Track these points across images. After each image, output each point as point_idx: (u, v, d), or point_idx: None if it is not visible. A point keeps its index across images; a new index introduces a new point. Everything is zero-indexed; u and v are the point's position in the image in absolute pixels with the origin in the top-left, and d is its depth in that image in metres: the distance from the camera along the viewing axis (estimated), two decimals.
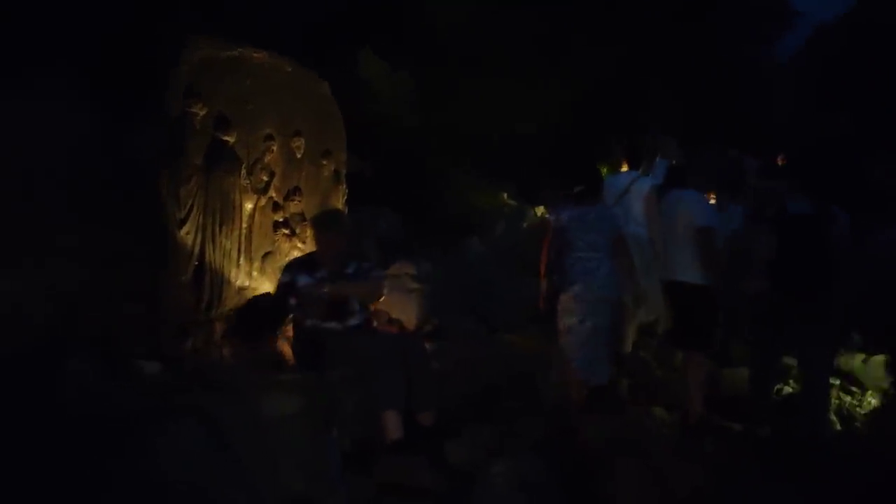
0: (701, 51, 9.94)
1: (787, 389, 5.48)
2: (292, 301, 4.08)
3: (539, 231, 8.31)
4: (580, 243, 4.63)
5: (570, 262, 4.62)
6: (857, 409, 5.36)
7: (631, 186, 5.57)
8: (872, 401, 5.46)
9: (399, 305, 5.01)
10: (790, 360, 5.29)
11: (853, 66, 12.51)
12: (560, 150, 9.62)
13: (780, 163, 7.79)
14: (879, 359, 5.68)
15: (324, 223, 4.25)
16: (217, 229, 4.38)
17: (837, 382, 5.60)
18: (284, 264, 4.47)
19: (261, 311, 4.00)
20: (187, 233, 4.17)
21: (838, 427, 4.97)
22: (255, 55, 4.68)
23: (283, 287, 4.13)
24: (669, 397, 5.04)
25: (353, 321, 4.03)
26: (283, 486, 3.15)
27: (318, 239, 4.22)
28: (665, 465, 3.87)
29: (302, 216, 5.14)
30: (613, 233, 4.66)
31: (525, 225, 8.84)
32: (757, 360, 4.85)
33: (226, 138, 4.45)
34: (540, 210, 9.44)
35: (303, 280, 4.03)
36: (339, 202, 5.55)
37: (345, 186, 5.66)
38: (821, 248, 4.45)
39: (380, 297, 4.39)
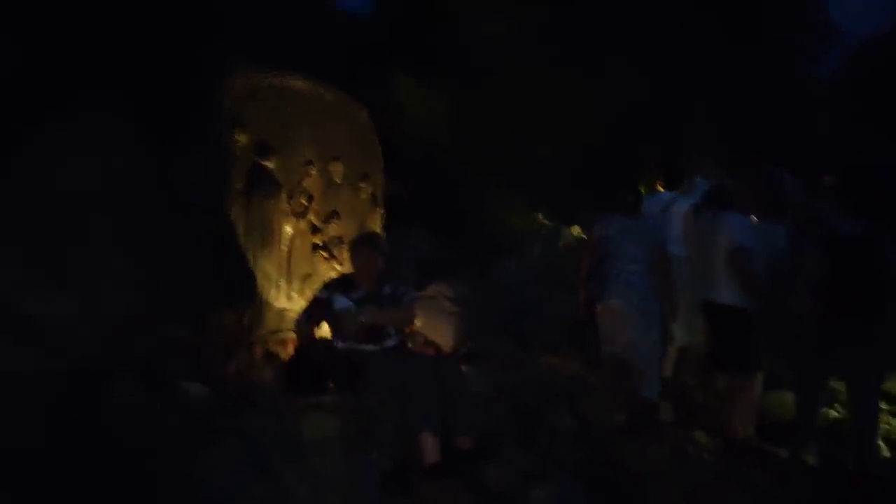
0: (740, 68, 9.85)
1: (834, 414, 5.35)
2: (326, 322, 4.14)
3: (576, 251, 8.30)
4: (623, 254, 4.62)
5: (612, 272, 4.61)
6: None
7: (671, 206, 5.55)
8: None
9: (436, 327, 5.03)
10: (836, 384, 5.17)
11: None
12: (597, 170, 9.60)
13: (826, 182, 7.64)
14: None
15: (361, 244, 4.31)
16: (258, 252, 4.47)
17: (886, 407, 5.45)
18: (323, 283, 4.54)
19: (313, 360, 4.03)
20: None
21: (887, 454, 4.83)
22: (295, 83, 4.80)
23: (315, 310, 4.16)
24: (711, 422, 4.95)
25: (390, 343, 4.07)
26: None
27: (354, 260, 4.27)
28: (706, 492, 3.82)
29: (340, 239, 5.21)
30: (655, 248, 4.64)
31: (561, 245, 8.81)
32: (803, 383, 4.75)
33: (267, 164, 4.56)
34: (576, 230, 9.42)
35: (340, 300, 4.08)
36: (377, 225, 5.62)
37: (382, 209, 5.73)
38: (872, 270, 4.35)
39: (412, 323, 4.42)
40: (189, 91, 4.39)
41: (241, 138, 4.37)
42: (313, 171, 4.97)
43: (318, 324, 4.18)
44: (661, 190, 6.16)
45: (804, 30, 10.74)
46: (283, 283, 4.67)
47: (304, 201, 4.91)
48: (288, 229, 4.75)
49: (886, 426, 5.19)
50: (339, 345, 4.00)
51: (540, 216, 9.71)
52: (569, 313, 6.26)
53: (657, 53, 9.01)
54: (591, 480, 3.71)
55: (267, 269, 4.53)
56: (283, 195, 4.71)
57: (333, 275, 5.00)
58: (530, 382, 4.87)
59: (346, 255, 5.15)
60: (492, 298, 6.58)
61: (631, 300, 4.58)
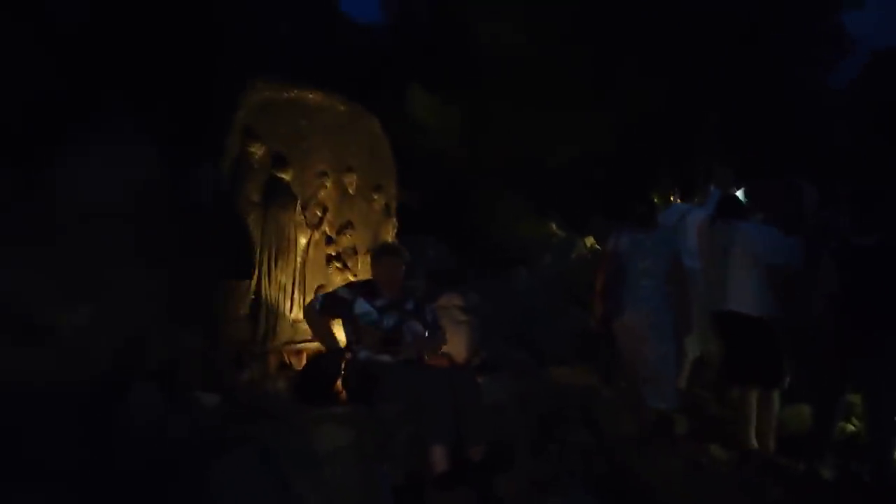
0: (757, 78, 9.82)
1: (850, 428, 5.30)
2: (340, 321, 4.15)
3: (589, 261, 8.29)
4: (635, 269, 4.62)
5: (626, 287, 4.62)
6: None
7: (686, 217, 5.54)
8: None
9: (448, 337, 5.05)
10: (852, 397, 5.12)
11: None
12: (610, 179, 9.61)
13: (842, 193, 7.60)
14: None
15: (385, 253, 4.33)
16: (273, 263, 4.51)
17: None
18: (347, 283, 4.56)
19: (325, 371, 4.04)
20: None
21: None
22: (309, 96, 4.86)
23: (331, 303, 4.18)
24: (726, 435, 4.92)
25: (406, 354, 4.08)
26: None
27: (378, 268, 4.28)
28: None
29: (354, 250, 5.25)
30: (669, 260, 4.64)
31: (573, 255, 8.81)
32: (820, 397, 4.71)
33: (282, 176, 4.61)
34: (589, 240, 9.41)
35: (361, 304, 4.10)
36: (390, 235, 5.65)
37: (395, 219, 5.76)
38: (887, 281, 4.33)
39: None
40: (206, 104, 4.45)
41: (257, 150, 4.42)
42: (328, 183, 5.01)
43: (330, 317, 4.18)
44: (677, 201, 6.16)
45: (820, 41, 10.70)
46: (297, 294, 4.70)
47: (318, 212, 4.95)
48: (302, 240, 4.79)
49: None
50: (361, 355, 4.00)
51: (552, 226, 9.72)
52: (581, 325, 6.27)
53: (671, 62, 9.00)
54: (604, 492, 3.70)
55: (281, 279, 4.57)
56: (298, 206, 4.75)
57: None
58: (543, 393, 4.87)
59: (359, 265, 5.21)
60: (503, 308, 6.58)
61: (645, 315, 4.58)
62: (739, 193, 6.19)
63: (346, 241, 5.19)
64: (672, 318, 4.66)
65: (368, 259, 5.29)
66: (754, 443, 4.63)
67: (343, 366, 4.00)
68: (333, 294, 4.23)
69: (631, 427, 4.69)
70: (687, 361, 5.50)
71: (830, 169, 9.97)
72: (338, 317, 4.17)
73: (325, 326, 4.15)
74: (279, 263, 4.54)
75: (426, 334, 4.24)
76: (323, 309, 4.13)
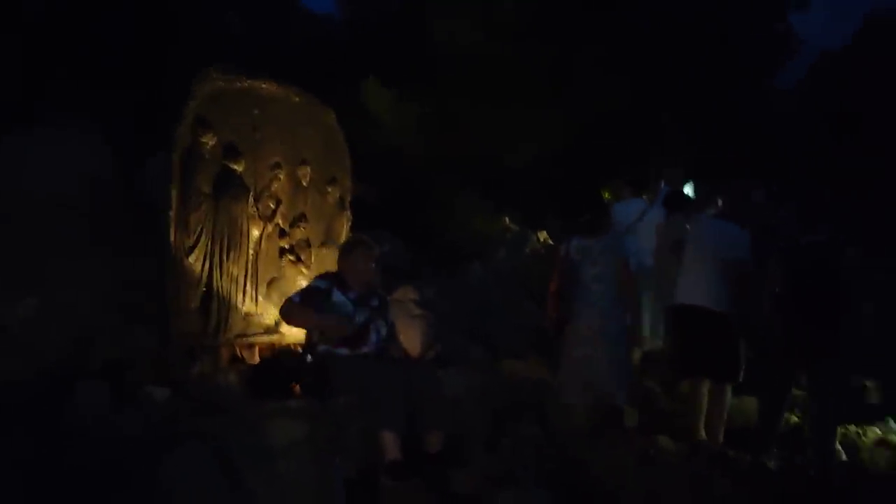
0: (708, 79, 10.02)
1: (794, 419, 5.46)
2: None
3: (543, 257, 8.37)
4: (586, 274, 4.71)
5: (577, 292, 4.70)
6: (863, 439, 5.33)
7: (643, 216, 5.64)
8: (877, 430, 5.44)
9: (402, 331, 5.04)
10: (796, 390, 5.27)
11: (859, 93, 12.61)
12: (565, 177, 9.70)
13: (788, 192, 7.85)
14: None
15: (355, 246, 4.27)
16: (225, 256, 4.44)
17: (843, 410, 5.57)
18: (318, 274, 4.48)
19: (283, 368, 3.96)
20: (196, 259, 4.25)
21: (844, 457, 4.94)
22: (263, 86, 4.79)
23: (311, 296, 4.09)
24: (676, 427, 5.01)
25: (366, 349, 4.04)
26: None
27: (347, 261, 4.19)
28: (670, 496, 3.87)
29: (307, 242, 5.20)
30: (618, 263, 4.73)
31: (527, 250, 8.88)
32: (767, 391, 4.84)
33: (234, 167, 4.54)
34: (543, 235, 9.50)
35: (338, 294, 4.05)
36: (344, 229, 5.61)
37: (349, 213, 5.73)
38: (832, 279, 4.46)
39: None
40: (160, 95, 4.34)
41: (209, 141, 4.34)
42: (281, 175, 4.95)
43: (312, 308, 4.03)
44: (629, 197, 6.26)
45: (768, 42, 10.96)
46: (249, 287, 4.64)
47: (271, 204, 4.89)
48: (255, 232, 4.72)
49: (844, 431, 5.30)
50: (319, 349, 3.95)
51: (507, 221, 9.78)
52: (535, 319, 6.33)
53: (625, 62, 9.13)
54: (557, 485, 3.73)
55: (233, 271, 4.50)
56: (251, 198, 4.68)
57: (301, 279, 4.99)
58: (497, 387, 4.90)
59: (313, 258, 5.16)
60: (458, 303, 6.60)
61: (594, 319, 4.66)
62: (689, 191, 6.34)
63: (299, 233, 5.14)
64: (623, 322, 4.75)
65: (322, 252, 5.28)
66: (703, 435, 4.74)
67: (302, 361, 3.96)
68: (309, 287, 4.15)
69: (583, 421, 4.75)
70: (638, 355, 5.61)
71: (779, 168, 10.26)
72: (314, 308, 4.08)
73: (311, 312, 3.99)
74: (231, 255, 4.47)
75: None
76: (303, 301, 4.04)
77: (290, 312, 4.03)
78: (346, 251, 4.27)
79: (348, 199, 5.74)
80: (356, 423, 3.67)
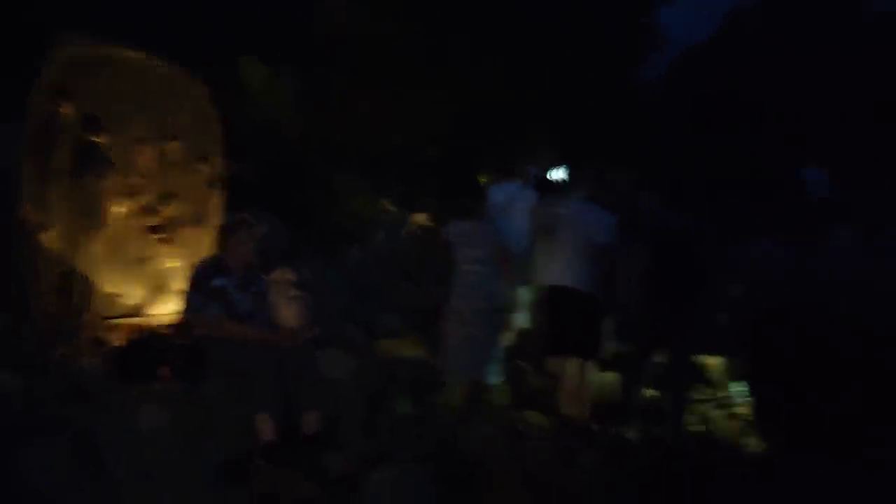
0: (578, 67, 10.38)
1: (652, 393, 5.80)
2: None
3: (420, 238, 8.46)
4: (465, 258, 4.82)
5: (456, 274, 4.81)
6: (715, 411, 5.73)
7: (515, 199, 5.80)
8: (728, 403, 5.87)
9: (279, 312, 4.95)
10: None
11: (721, 88, 13.53)
12: (442, 160, 9.81)
13: (651, 179, 8.30)
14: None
15: (236, 228, 4.13)
16: (84, 234, 4.19)
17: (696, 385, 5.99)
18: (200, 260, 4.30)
19: (151, 350, 3.79)
20: (53, 237, 3.99)
21: (698, 428, 5.31)
22: (128, 54, 4.53)
23: (201, 290, 3.91)
24: (544, 403, 5.21)
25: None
26: (155, 499, 3.07)
27: (228, 243, 4.07)
28: (540, 471, 4.05)
29: (176, 221, 4.98)
30: (495, 246, 4.87)
31: (405, 232, 8.94)
32: (627, 365, 5.14)
33: (96, 140, 4.28)
34: (420, 218, 9.58)
35: (220, 280, 3.92)
36: (217, 207, 5.41)
37: (222, 191, 5.53)
38: (689, 262, 4.78)
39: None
40: (13, 61, 4.02)
41: (67, 111, 4.06)
42: (147, 150, 4.70)
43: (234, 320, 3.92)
44: (503, 181, 6.41)
45: (635, 35, 11.49)
46: (113, 267, 4.41)
47: (136, 181, 4.64)
48: (118, 210, 4.48)
49: (699, 403, 5.68)
50: (194, 331, 3.81)
51: (385, 203, 9.78)
52: (413, 301, 6.40)
53: (500, 49, 9.33)
54: (432, 464, 3.81)
55: (94, 251, 4.26)
56: (114, 174, 4.43)
57: (169, 259, 4.80)
58: (374, 368, 4.92)
59: (182, 237, 4.96)
60: (336, 284, 6.56)
61: (472, 299, 4.79)
62: (560, 175, 6.58)
63: (168, 211, 4.91)
64: (499, 303, 4.91)
65: (192, 232, 5.08)
66: (570, 410, 4.97)
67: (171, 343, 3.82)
68: (196, 277, 3.96)
69: (457, 400, 4.87)
70: (512, 335, 5.78)
71: (646, 156, 10.83)
72: (201, 293, 3.91)
73: (235, 325, 3.86)
74: (92, 234, 4.23)
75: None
76: (203, 296, 3.86)
77: (206, 322, 3.85)
78: (228, 232, 4.15)
79: (222, 177, 5.54)
80: (228, 406, 3.59)
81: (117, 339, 4.32)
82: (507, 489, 3.73)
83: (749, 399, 5.25)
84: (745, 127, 12.19)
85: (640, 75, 12.74)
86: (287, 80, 8.98)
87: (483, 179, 8.08)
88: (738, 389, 5.89)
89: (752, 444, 4.95)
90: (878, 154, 10.67)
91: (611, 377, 5.55)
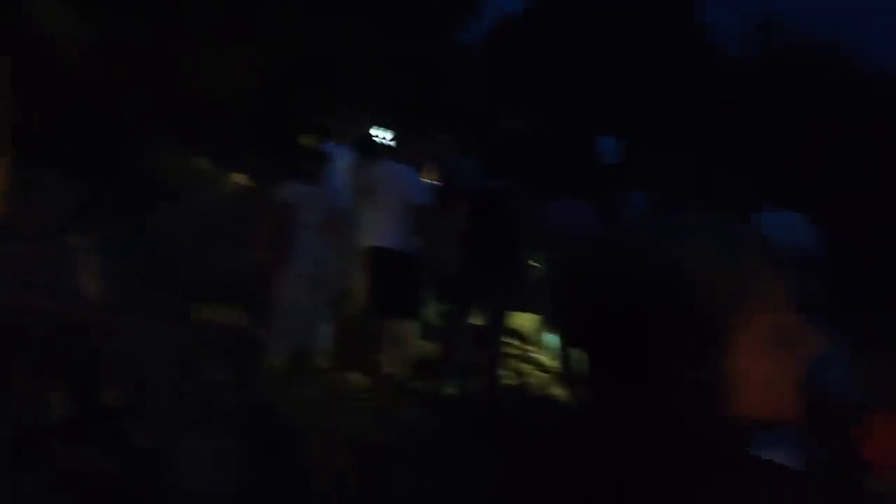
0: (397, 30, 10.34)
1: (468, 350, 6.04)
2: None
3: (240, 200, 8.15)
4: (299, 220, 4.75)
5: (285, 238, 4.73)
6: (526, 365, 6.08)
7: (336, 160, 5.75)
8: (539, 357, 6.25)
9: (82, 279, 4.61)
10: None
11: (538, 57, 14.05)
12: (264, 119, 9.45)
13: (469, 143, 8.50)
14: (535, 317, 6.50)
15: (26, 188, 3.73)
16: None
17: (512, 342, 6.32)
18: None
19: None
20: None
21: (511, 382, 5.61)
22: None
23: None
24: (366, 364, 5.26)
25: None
26: None
27: (13, 206, 3.68)
28: (361, 430, 4.11)
29: None
30: (331, 210, 4.84)
31: (223, 192, 8.57)
32: (445, 324, 5.32)
33: None
34: (241, 178, 9.20)
35: (7, 247, 3.52)
36: (2, 163, 4.88)
37: (11, 146, 4.99)
38: (504, 222, 4.99)
39: None
40: None
41: None
42: None
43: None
44: (328, 142, 6.32)
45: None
46: None
47: None
48: None
49: (512, 359, 5.99)
50: None
51: (201, 161, 9.30)
52: (233, 264, 6.18)
53: (318, 7, 9.12)
54: (247, 430, 3.75)
55: None
56: None
57: None
58: (186, 335, 4.73)
59: None
60: (146, 247, 6.18)
61: (305, 264, 4.71)
62: (383, 137, 6.58)
63: None
64: (331, 267, 4.89)
65: None
66: (390, 369, 5.07)
67: None
68: None
69: (277, 364, 4.82)
70: (336, 300, 5.77)
71: (464, 122, 11.08)
72: None
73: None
74: None
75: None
76: None
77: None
78: (17, 192, 3.77)
79: (7, 130, 5.00)
80: (17, 382, 3.30)
81: None
82: (324, 451, 3.75)
83: (559, 353, 5.64)
84: (558, 94, 12.78)
85: (465, 42, 12.97)
86: (83, 19, 8.17)
87: (307, 141, 7.88)
88: (548, 345, 6.31)
89: (561, 395, 5.34)
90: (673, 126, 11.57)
91: (429, 336, 5.71)
